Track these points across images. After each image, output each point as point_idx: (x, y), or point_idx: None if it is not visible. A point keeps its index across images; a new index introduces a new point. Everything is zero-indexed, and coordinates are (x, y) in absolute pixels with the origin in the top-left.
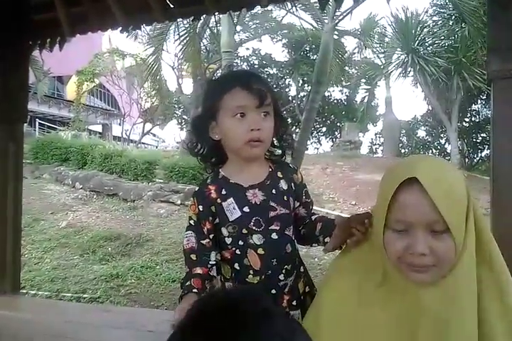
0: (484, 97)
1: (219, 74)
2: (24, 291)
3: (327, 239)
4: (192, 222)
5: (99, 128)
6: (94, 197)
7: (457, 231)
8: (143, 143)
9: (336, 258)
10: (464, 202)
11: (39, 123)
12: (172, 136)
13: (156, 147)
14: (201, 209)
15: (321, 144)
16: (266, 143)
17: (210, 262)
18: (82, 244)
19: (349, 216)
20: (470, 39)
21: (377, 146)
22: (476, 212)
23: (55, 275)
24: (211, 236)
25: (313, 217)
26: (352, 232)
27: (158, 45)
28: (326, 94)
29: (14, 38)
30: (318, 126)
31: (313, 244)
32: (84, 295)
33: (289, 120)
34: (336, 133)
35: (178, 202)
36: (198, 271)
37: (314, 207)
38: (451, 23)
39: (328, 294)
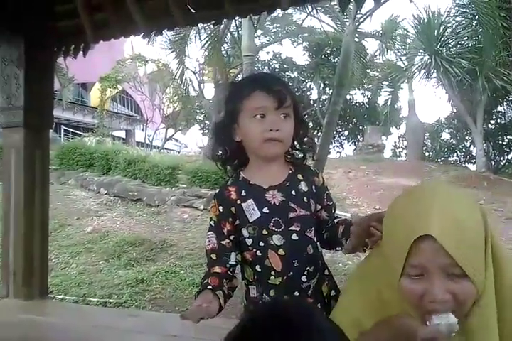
0: (511, 98)
1: (240, 78)
2: (51, 296)
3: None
4: (212, 222)
5: (122, 134)
6: (119, 202)
7: (476, 275)
8: (165, 148)
9: (360, 264)
10: (482, 239)
11: (64, 129)
12: (194, 141)
13: (179, 152)
14: (221, 211)
15: (343, 148)
16: (285, 143)
17: (230, 262)
18: (107, 249)
19: (368, 215)
20: (494, 38)
21: (400, 149)
22: (494, 245)
23: (82, 280)
24: (231, 237)
25: (335, 220)
26: (371, 232)
27: (179, 49)
28: (348, 97)
29: (39, 45)
30: (340, 129)
31: (337, 248)
32: (110, 300)
33: (311, 124)
34: (359, 136)
35: (201, 207)
36: (217, 269)
37: (337, 212)
38: (474, 24)
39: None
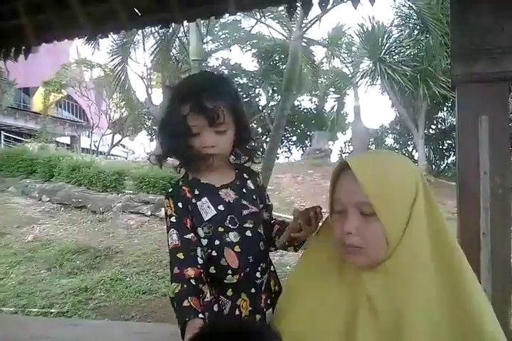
0: (449, 105)
1: (178, 83)
2: None
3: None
4: (173, 218)
5: (67, 140)
6: (62, 209)
7: (386, 215)
8: (112, 154)
9: (305, 251)
10: (409, 192)
11: (4, 135)
12: (142, 146)
13: (126, 158)
14: (181, 206)
15: (291, 153)
16: (222, 153)
17: (199, 259)
18: (49, 258)
19: (305, 209)
20: (434, 48)
21: (346, 154)
22: (431, 206)
23: (21, 290)
24: (194, 233)
25: (272, 221)
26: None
27: (124, 54)
28: (296, 103)
29: None
30: (288, 135)
31: (271, 247)
32: (52, 310)
33: (260, 129)
34: (306, 141)
35: (149, 212)
36: (190, 272)
37: (285, 215)
38: (416, 33)
39: (297, 278)
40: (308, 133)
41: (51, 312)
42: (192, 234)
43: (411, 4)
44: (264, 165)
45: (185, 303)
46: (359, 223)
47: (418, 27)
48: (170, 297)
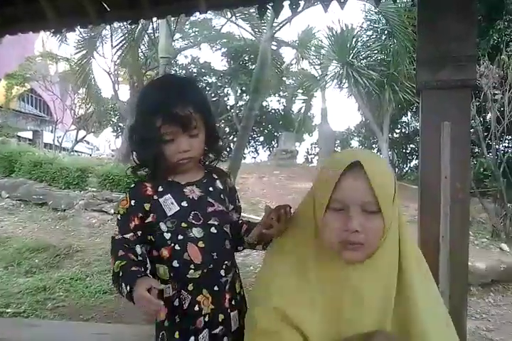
0: (414, 110)
1: (146, 93)
2: None
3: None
4: (119, 216)
5: (29, 134)
6: (22, 206)
7: (387, 213)
8: (76, 151)
9: (273, 244)
10: (392, 191)
11: None
12: (107, 143)
13: (90, 155)
14: (133, 204)
15: (258, 154)
16: (196, 156)
17: (139, 257)
18: (5, 256)
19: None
20: (400, 54)
21: (312, 156)
22: (398, 205)
23: None
24: (138, 232)
25: (239, 221)
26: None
27: (90, 48)
28: (264, 104)
29: None
30: (255, 135)
31: (239, 247)
32: (8, 310)
33: (227, 129)
34: (273, 142)
35: (112, 211)
36: (129, 255)
37: (250, 216)
38: (383, 38)
39: (275, 267)
40: (275, 134)
41: (7, 312)
42: (131, 234)
43: (380, 9)
44: (230, 165)
45: (133, 268)
46: (364, 221)
47: (386, 32)
48: (114, 272)
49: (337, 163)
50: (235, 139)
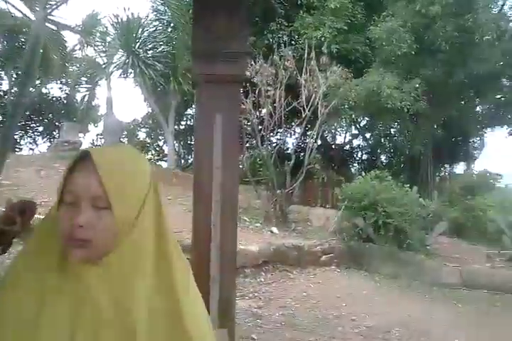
0: None
1: None
2: None
3: None
4: None
5: None
6: None
7: (120, 211)
8: None
9: (18, 254)
10: (142, 189)
11: None
12: None
13: None
14: None
15: (37, 145)
16: None
17: None
18: None
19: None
20: (181, 47)
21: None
22: (159, 205)
23: None
24: None
25: None
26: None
27: None
28: (44, 91)
29: None
30: (34, 125)
31: None
32: None
33: (0, 117)
34: (55, 133)
35: None
36: None
37: None
38: (169, 30)
39: (9, 295)
40: (56, 123)
41: None
42: None
43: (164, 0)
44: None
45: None
46: (92, 216)
47: (171, 24)
48: None
49: (73, 157)
50: None
